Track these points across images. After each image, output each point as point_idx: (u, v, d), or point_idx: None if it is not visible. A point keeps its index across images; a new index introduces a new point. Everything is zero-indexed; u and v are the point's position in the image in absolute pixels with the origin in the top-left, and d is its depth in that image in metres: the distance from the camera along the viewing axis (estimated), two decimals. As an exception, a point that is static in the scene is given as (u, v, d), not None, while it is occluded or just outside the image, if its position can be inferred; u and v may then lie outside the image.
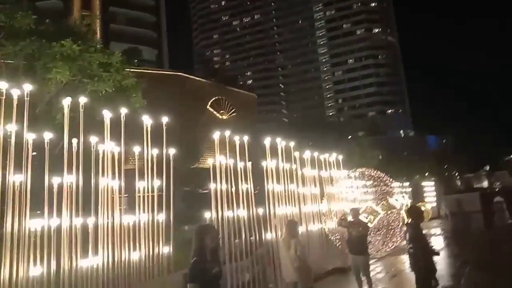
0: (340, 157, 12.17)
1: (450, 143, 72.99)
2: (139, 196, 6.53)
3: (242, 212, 7.52)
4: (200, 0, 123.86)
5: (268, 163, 8.37)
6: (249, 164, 7.96)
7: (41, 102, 9.72)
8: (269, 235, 8.03)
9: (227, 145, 7.52)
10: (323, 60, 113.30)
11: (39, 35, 9.52)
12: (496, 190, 47.95)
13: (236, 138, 7.87)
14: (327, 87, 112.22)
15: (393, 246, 13.59)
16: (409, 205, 25.69)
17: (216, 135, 7.47)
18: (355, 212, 8.50)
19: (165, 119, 6.40)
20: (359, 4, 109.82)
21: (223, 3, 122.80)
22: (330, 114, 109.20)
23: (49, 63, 9.15)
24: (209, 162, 7.33)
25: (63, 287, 4.98)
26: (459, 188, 52.44)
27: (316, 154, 10.98)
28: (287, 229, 6.30)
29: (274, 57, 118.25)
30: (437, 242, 18.35)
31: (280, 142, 8.66)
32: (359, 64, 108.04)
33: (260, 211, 8.01)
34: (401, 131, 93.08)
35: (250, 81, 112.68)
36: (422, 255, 5.44)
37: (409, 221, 6.06)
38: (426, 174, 49.79)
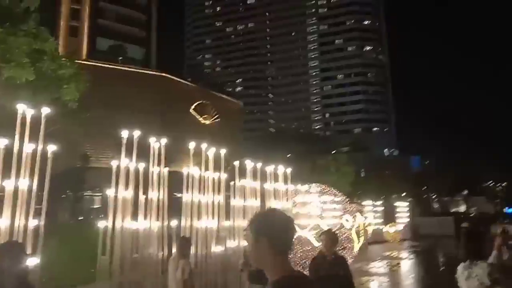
0: (289, 170, 11.37)
1: (432, 165, 73.01)
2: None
3: (147, 224, 6.66)
4: (195, 4, 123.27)
5: (191, 170, 7.54)
6: (165, 170, 7.13)
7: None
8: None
9: (134, 146, 6.67)
10: (313, 74, 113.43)
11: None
12: (471, 215, 47.85)
13: (152, 140, 7.04)
14: (315, 100, 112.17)
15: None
16: (364, 224, 25.11)
17: (125, 134, 6.62)
18: None
19: (45, 110, 5.48)
20: (353, 21, 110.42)
21: (218, 8, 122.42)
22: (317, 127, 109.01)
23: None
24: (112, 163, 6.48)
25: None
26: (436, 211, 52.20)
27: (259, 165, 10.18)
28: (177, 248, 5.45)
29: (265, 67, 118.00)
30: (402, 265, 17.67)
31: (206, 148, 7.84)
32: (348, 80, 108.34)
33: (174, 223, 7.17)
34: (385, 150, 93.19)
35: (239, 89, 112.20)
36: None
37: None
38: (404, 194, 49.45)
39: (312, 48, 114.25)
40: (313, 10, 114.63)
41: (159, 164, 7.02)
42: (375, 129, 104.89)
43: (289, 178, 11.26)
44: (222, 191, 8.24)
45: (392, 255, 21.86)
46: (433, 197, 56.46)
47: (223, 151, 8.38)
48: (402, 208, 34.85)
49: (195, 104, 50.37)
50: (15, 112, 5.44)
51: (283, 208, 11.12)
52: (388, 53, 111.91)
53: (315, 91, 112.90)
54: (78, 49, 49.03)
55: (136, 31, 63.72)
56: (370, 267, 16.39)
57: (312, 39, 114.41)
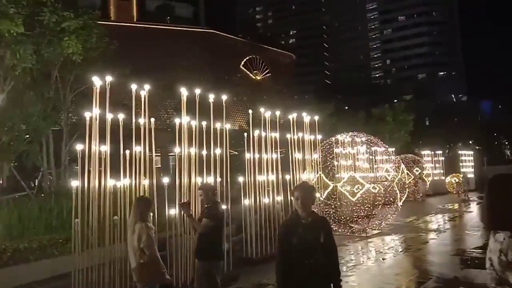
0: (316, 118, 10.12)
1: (505, 110, 66.41)
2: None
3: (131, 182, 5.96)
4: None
5: (183, 120, 6.66)
6: (152, 120, 6.30)
7: None
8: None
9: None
10: (371, 17, 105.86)
11: None
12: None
13: (134, 87, 6.19)
14: (375, 46, 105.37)
15: (380, 224, 11.56)
16: (422, 175, 23.10)
17: (97, 81, 5.82)
18: (207, 190, 5.10)
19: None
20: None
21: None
22: (377, 75, 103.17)
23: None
24: (86, 114, 5.75)
25: None
26: (508, 157, 47.65)
27: (278, 113, 9.05)
28: (133, 210, 4.59)
29: (319, 14, 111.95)
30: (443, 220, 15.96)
31: (198, 95, 6.83)
32: (410, 22, 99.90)
33: (166, 180, 6.41)
34: (452, 96, 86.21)
35: (292, 40, 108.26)
36: None
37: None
38: (471, 142, 45.59)
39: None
40: None
41: (144, 116, 6.21)
42: (441, 73, 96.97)
43: (316, 127, 10.03)
44: (225, 144, 7.31)
45: (450, 208, 20.02)
46: (505, 143, 51.60)
47: (224, 97, 7.36)
48: (467, 157, 31.91)
49: (245, 60, 49.18)
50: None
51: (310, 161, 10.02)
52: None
53: (374, 36, 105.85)
54: (128, 11, 49.56)
55: (183, -12, 62.74)
56: (421, 222, 14.93)
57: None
